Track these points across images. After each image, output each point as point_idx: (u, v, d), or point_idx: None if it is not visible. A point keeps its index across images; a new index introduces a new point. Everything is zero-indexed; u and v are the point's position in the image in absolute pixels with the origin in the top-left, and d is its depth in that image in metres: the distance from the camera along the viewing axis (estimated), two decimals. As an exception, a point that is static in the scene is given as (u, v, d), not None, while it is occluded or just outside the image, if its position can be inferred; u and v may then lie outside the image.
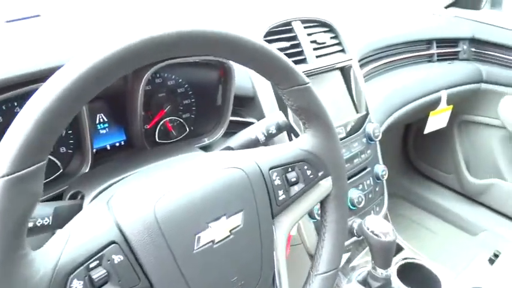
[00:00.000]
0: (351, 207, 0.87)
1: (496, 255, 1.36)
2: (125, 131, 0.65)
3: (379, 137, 0.94)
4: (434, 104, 1.27)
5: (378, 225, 0.76)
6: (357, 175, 0.90)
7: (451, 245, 1.52)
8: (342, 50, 0.94)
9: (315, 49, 0.88)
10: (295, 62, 0.81)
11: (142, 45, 0.35)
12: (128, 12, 0.85)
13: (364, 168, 0.92)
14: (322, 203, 0.57)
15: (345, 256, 0.97)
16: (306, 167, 0.53)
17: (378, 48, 1.11)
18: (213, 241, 0.43)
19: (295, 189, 0.52)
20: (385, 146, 1.77)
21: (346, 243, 0.87)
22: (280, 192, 0.51)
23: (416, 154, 1.77)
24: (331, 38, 0.93)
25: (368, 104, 0.96)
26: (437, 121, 1.33)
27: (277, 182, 0.51)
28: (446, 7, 1.42)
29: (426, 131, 1.32)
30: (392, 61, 1.19)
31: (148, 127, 0.67)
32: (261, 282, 0.50)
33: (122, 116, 0.63)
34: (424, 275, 0.95)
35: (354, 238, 0.88)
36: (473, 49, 1.40)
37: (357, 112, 0.93)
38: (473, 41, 1.38)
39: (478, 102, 1.45)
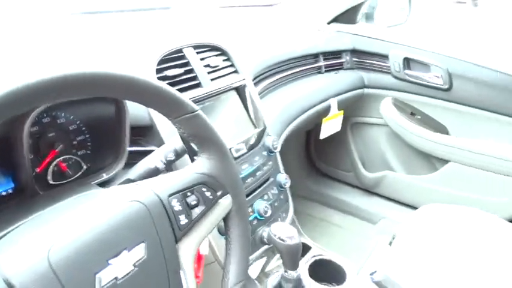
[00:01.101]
0: (259, 217, 0.92)
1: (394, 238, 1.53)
2: (12, 178, 0.61)
3: (278, 148, 1.01)
4: (326, 111, 1.40)
5: (282, 230, 0.82)
6: (261, 186, 0.96)
7: (355, 235, 1.68)
8: (235, 71, 0.99)
9: (209, 73, 0.92)
10: (190, 87, 0.85)
11: None
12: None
13: (267, 179, 0.99)
14: (225, 220, 0.61)
15: (260, 264, 1.02)
16: (204, 189, 0.56)
17: (270, 66, 1.20)
18: (116, 278, 0.44)
19: (196, 211, 0.55)
20: (290, 153, 1.90)
21: (260, 251, 0.92)
22: (182, 217, 0.53)
23: (319, 157, 1.91)
24: (224, 60, 0.98)
25: (265, 118, 1.02)
26: (331, 126, 1.46)
27: (178, 207, 0.53)
28: (328, 23, 1.58)
29: (321, 136, 1.45)
30: (285, 76, 1.29)
31: (39, 170, 0.64)
32: (171, 308, 0.51)
33: (8, 162, 0.60)
34: (331, 268, 1.04)
35: (266, 246, 0.93)
36: (354, 59, 1.57)
37: (255, 127, 0.99)
38: (354, 52, 1.55)
39: (364, 105, 1.63)
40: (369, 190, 1.79)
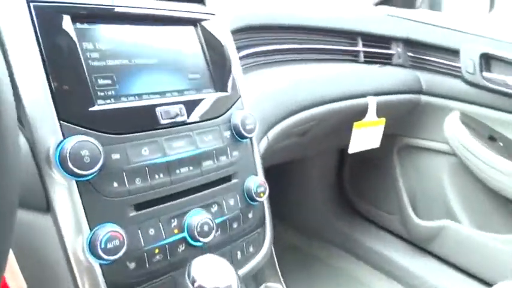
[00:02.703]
0: (191, 241, 0.50)
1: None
2: None
3: (254, 132, 0.60)
4: (359, 114, 0.96)
5: (211, 273, 0.40)
6: (209, 187, 0.54)
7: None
8: (200, 0, 0.62)
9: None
10: None
11: None
12: None
13: (227, 179, 0.57)
14: None
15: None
16: None
17: (270, 24, 0.80)
18: None
19: None
20: (314, 179, 1.45)
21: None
22: None
23: (353, 189, 1.43)
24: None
25: (241, 88, 0.63)
26: (365, 137, 1.01)
27: None
28: (376, 4, 1.18)
29: (351, 149, 1.00)
30: (300, 49, 0.89)
31: None
32: None
33: None
34: None
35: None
36: (409, 53, 1.13)
37: (216, 89, 0.59)
38: (409, 43, 1.12)
39: (419, 120, 1.16)
40: (419, 245, 1.26)
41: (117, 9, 0.51)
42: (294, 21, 0.85)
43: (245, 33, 0.75)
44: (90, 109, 0.45)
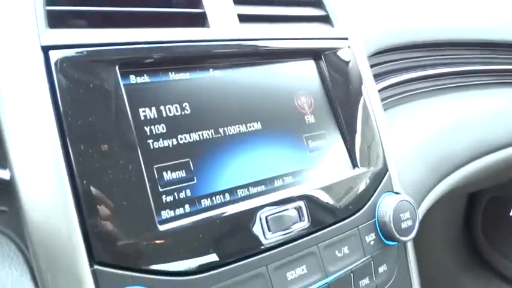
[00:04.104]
0: None
1: None
2: None
3: (414, 233, 0.36)
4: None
5: None
6: None
7: None
8: (325, 18, 0.40)
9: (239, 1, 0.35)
10: (174, 19, 0.26)
11: None
12: None
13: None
14: None
15: None
16: None
17: (411, 45, 0.55)
18: None
19: None
20: (437, 227, 1.14)
21: None
22: None
23: (488, 242, 1.10)
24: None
25: (388, 149, 0.39)
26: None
27: None
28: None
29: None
30: (452, 73, 0.62)
31: None
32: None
33: None
34: None
35: None
36: None
37: (354, 164, 0.36)
38: None
39: None
40: None
41: (195, 46, 0.30)
42: (448, 35, 0.58)
43: (383, 56, 0.50)
44: (147, 234, 0.25)
